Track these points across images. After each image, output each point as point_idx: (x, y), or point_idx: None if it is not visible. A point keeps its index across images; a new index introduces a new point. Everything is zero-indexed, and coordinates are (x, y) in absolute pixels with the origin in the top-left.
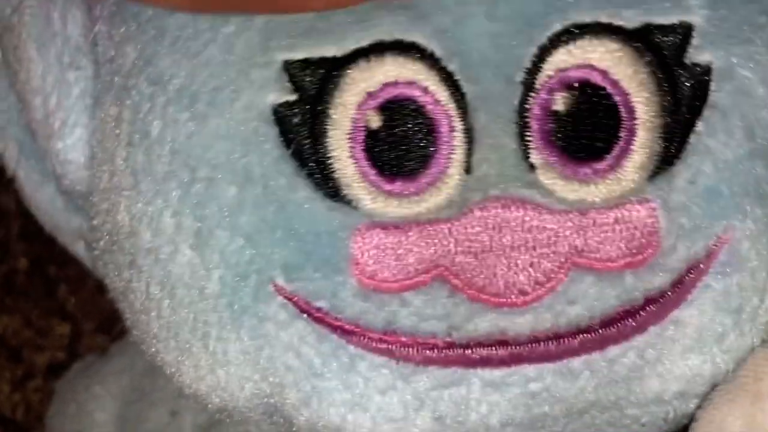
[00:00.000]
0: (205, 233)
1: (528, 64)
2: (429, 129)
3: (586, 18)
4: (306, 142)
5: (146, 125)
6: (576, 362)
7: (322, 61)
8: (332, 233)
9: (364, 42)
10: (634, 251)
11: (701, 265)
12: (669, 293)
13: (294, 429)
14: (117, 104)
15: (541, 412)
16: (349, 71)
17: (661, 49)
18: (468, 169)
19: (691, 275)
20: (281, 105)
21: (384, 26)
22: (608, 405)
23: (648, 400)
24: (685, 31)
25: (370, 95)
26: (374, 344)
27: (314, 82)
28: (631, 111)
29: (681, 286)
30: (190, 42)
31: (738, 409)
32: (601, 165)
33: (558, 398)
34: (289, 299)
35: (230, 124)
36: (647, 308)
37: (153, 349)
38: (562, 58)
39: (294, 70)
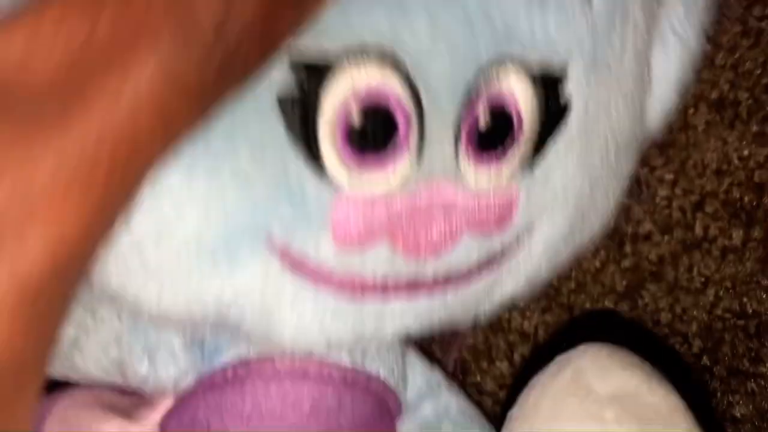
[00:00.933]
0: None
1: (467, 90)
2: (394, 130)
3: (515, 56)
4: (301, 130)
5: None
6: (455, 293)
7: (314, 67)
8: (320, 200)
9: (352, 46)
10: (502, 220)
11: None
12: (514, 245)
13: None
14: None
15: (428, 324)
16: (338, 74)
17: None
18: (419, 162)
19: (519, 237)
20: (284, 99)
21: (368, 31)
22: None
23: (495, 303)
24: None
25: (354, 96)
26: (332, 284)
27: (309, 83)
28: (520, 127)
29: (520, 240)
30: None
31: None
32: (496, 166)
33: (439, 314)
34: (276, 249)
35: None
36: (502, 255)
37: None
38: (493, 87)
39: (296, 70)
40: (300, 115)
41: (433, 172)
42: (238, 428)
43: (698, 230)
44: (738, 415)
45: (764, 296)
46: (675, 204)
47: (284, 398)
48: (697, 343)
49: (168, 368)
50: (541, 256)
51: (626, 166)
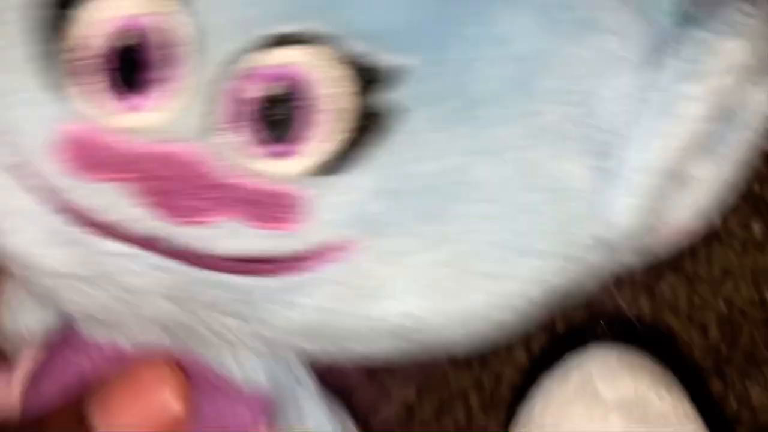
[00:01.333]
0: None
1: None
2: (150, 62)
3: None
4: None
5: None
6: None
7: None
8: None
9: None
10: (281, 219)
11: (330, 250)
12: (316, 258)
13: None
14: None
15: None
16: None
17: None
18: (181, 106)
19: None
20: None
21: None
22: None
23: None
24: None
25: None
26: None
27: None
28: (317, 118)
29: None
30: None
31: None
32: (279, 153)
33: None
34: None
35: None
36: (298, 261)
37: None
38: (284, 58)
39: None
40: (49, 35)
41: (195, 129)
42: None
43: (719, 223)
44: (756, 404)
45: None
46: None
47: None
48: (714, 333)
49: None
50: (344, 291)
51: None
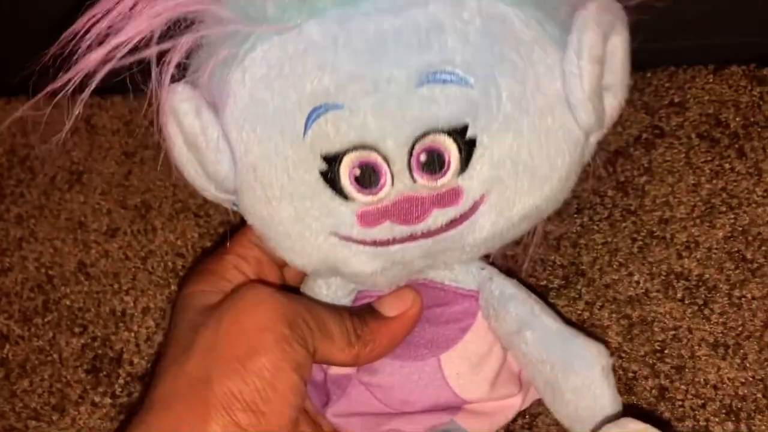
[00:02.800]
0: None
1: (410, 149)
2: (377, 175)
3: (431, 127)
4: (333, 184)
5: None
6: (438, 239)
7: (331, 159)
8: (349, 215)
9: (356, 143)
10: (453, 200)
11: (477, 204)
12: (469, 211)
13: None
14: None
15: (432, 254)
16: (349, 154)
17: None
18: (393, 185)
19: (473, 207)
20: (322, 172)
21: (365, 133)
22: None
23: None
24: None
25: (356, 162)
26: (367, 244)
27: (333, 165)
28: (449, 156)
29: (473, 209)
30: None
31: None
32: (439, 177)
33: (433, 249)
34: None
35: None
36: (462, 217)
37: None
38: (426, 141)
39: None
40: (331, 177)
41: (402, 188)
42: None
43: None
44: None
45: None
46: None
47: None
48: None
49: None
50: (492, 212)
51: (562, 141)
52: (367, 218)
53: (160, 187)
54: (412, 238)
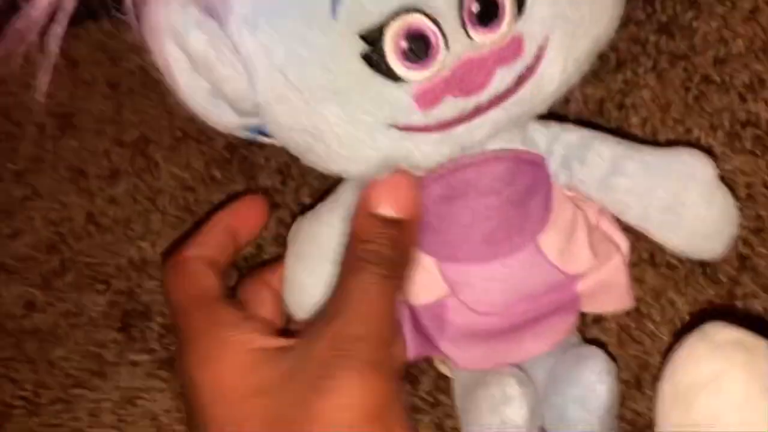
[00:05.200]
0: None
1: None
2: (428, 42)
3: None
4: (379, 57)
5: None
6: (508, 103)
7: (370, 36)
8: (405, 98)
9: (398, 7)
10: (516, 52)
11: (541, 49)
12: (535, 61)
13: None
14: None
15: (502, 122)
16: (392, 24)
17: None
18: (448, 51)
19: (538, 54)
20: (364, 55)
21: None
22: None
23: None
24: None
25: (402, 33)
26: (430, 129)
27: (376, 43)
28: (503, 4)
29: (538, 58)
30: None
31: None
32: (496, 29)
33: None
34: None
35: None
36: (529, 70)
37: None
38: None
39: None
40: (377, 59)
41: (459, 51)
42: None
43: None
44: None
45: None
46: None
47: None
48: None
49: None
50: (559, 56)
51: None
52: (426, 97)
53: (154, 116)
54: (479, 110)
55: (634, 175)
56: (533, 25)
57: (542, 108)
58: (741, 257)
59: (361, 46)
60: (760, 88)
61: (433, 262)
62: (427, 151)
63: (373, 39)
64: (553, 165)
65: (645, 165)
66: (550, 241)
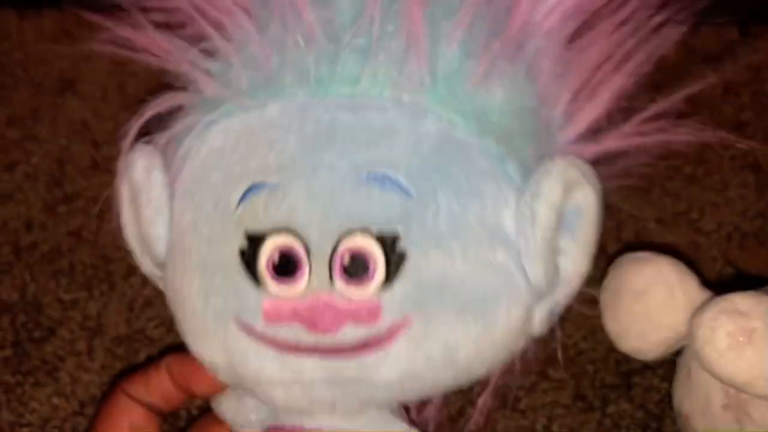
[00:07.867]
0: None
1: (334, 246)
2: (297, 266)
3: (359, 227)
4: (252, 257)
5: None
6: (346, 360)
7: (253, 238)
8: (256, 301)
9: (282, 226)
10: (372, 316)
11: (397, 328)
12: (387, 334)
13: None
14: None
15: (336, 377)
16: (273, 237)
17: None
18: (310, 283)
19: (392, 330)
20: (242, 251)
21: (292, 216)
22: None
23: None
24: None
25: (278, 249)
26: (268, 342)
27: (254, 245)
28: (374, 266)
29: (391, 334)
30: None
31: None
32: (361, 286)
33: (338, 372)
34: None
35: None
36: (379, 339)
37: None
38: (350, 243)
39: (248, 239)
40: (249, 257)
41: (319, 287)
42: None
43: None
44: None
45: None
46: None
47: None
48: None
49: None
50: (411, 345)
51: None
52: (274, 312)
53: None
54: (316, 350)
55: None
56: (394, 301)
57: (387, 392)
58: None
59: (243, 242)
60: None
61: None
62: (264, 363)
63: (255, 241)
64: None
65: None
66: None
